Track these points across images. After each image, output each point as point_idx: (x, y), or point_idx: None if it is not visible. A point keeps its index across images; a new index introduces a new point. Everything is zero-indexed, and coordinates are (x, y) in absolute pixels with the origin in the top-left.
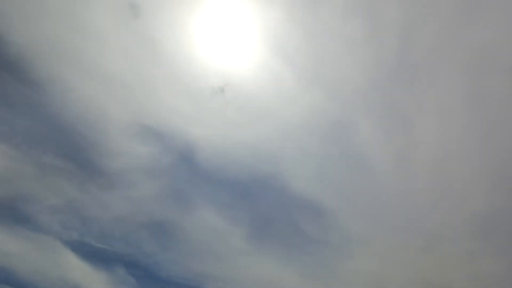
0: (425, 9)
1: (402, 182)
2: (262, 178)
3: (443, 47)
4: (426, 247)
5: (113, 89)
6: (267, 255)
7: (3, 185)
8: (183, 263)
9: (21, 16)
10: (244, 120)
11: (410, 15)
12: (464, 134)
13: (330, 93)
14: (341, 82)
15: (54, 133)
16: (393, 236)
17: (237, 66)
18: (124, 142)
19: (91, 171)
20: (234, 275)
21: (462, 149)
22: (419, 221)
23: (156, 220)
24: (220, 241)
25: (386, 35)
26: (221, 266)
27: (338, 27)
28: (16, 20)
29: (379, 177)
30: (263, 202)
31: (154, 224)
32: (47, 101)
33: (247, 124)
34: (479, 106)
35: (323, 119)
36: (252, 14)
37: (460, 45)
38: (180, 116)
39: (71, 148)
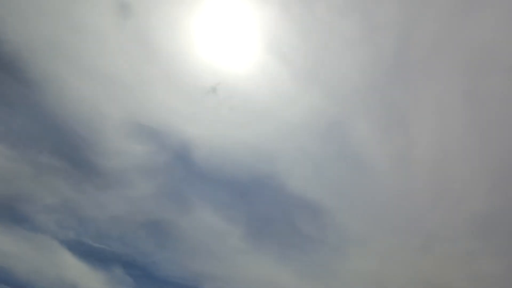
0: (423, 8)
1: (401, 182)
2: (259, 178)
3: (442, 46)
4: (425, 247)
5: (109, 88)
6: (265, 254)
7: None
8: (180, 262)
9: (18, 16)
10: (240, 120)
11: (408, 14)
12: (463, 133)
13: (327, 92)
14: (339, 81)
15: (50, 133)
16: (392, 236)
17: (233, 65)
18: (120, 141)
19: (87, 170)
20: (232, 275)
21: (461, 149)
22: (419, 221)
23: (153, 220)
24: (218, 241)
25: (384, 34)
26: (219, 265)
27: (335, 25)
28: (12, 19)
29: (378, 177)
30: (260, 201)
31: (152, 224)
32: (43, 100)
33: (243, 123)
34: (478, 105)
35: (321, 118)
36: (248, 13)
37: (459, 44)
38: (176, 115)
39: (67, 148)
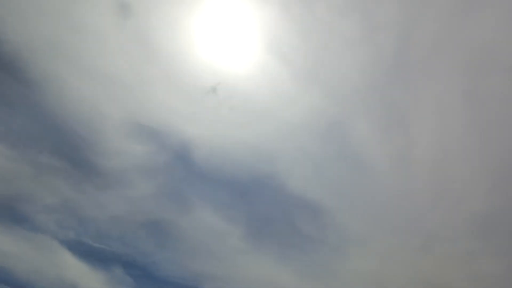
0: (423, 8)
1: (401, 182)
2: (259, 178)
3: (442, 46)
4: (425, 247)
5: (109, 88)
6: (265, 254)
7: None
8: (180, 262)
9: (18, 16)
10: (240, 120)
11: (408, 14)
12: (463, 133)
13: (327, 92)
14: (339, 81)
15: (50, 133)
16: (392, 236)
17: (233, 65)
18: (120, 141)
19: (87, 170)
20: (232, 275)
21: (461, 149)
22: (419, 221)
23: (153, 220)
24: (218, 241)
25: (384, 34)
26: (219, 265)
27: (335, 25)
28: (12, 19)
29: (378, 177)
30: (260, 201)
31: (152, 224)
32: (43, 100)
33: (243, 123)
34: (478, 105)
35: (321, 118)
36: (248, 13)
37: (459, 44)
38: (176, 115)
39: (67, 148)
